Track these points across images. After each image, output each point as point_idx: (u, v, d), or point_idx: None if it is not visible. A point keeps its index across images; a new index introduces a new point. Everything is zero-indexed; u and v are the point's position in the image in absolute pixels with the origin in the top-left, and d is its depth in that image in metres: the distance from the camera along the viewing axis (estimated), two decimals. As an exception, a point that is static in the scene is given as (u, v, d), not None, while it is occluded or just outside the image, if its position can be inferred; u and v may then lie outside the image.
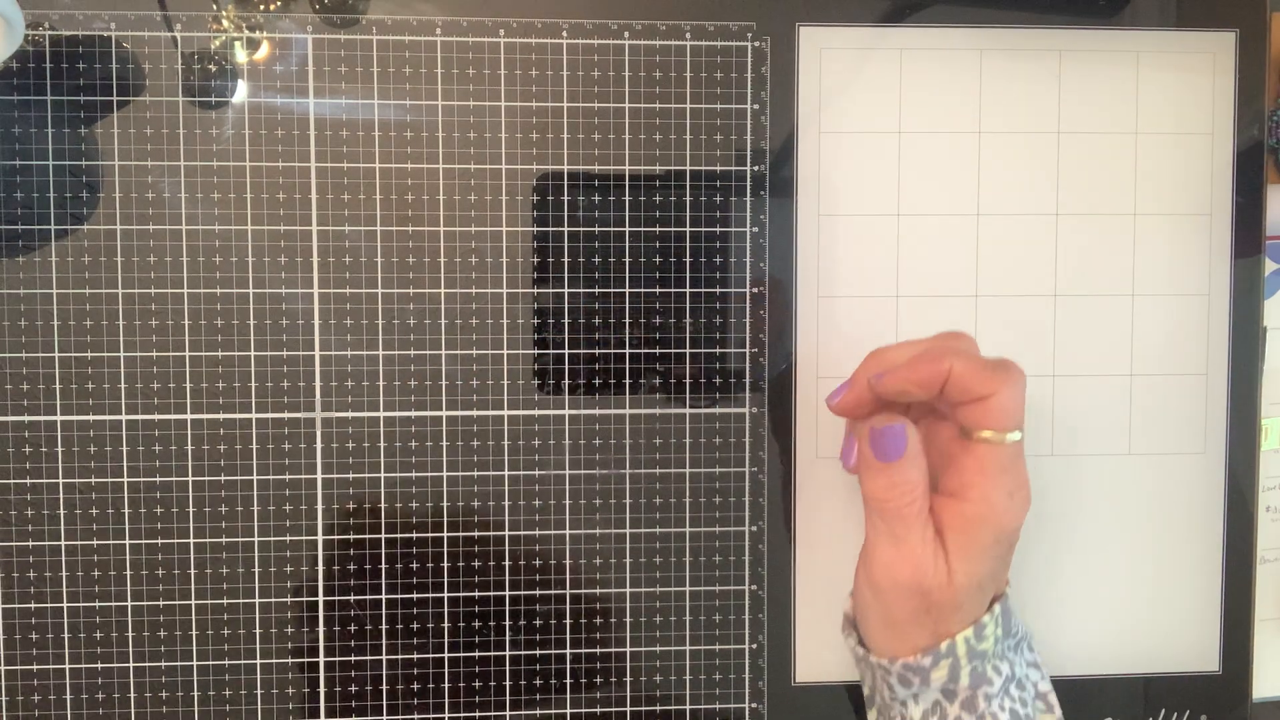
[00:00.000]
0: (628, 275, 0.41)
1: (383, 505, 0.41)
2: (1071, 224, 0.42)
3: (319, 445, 0.40)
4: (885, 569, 0.34)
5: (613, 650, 0.42)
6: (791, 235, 0.41)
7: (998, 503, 0.33)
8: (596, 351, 0.41)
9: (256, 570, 0.40)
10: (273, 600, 0.41)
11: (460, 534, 0.41)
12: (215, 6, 0.39)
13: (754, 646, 0.42)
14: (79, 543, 0.40)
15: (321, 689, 0.41)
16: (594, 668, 0.42)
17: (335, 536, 0.41)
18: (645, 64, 0.41)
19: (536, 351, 0.41)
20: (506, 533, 0.41)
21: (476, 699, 0.41)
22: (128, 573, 0.40)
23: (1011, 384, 0.33)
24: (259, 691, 0.41)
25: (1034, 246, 0.42)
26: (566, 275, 0.41)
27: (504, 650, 0.41)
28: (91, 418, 0.40)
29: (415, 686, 0.41)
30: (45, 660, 0.40)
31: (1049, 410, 0.42)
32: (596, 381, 0.41)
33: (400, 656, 0.41)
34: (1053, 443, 0.43)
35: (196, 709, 0.40)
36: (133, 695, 0.40)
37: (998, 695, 0.35)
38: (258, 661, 0.41)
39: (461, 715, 0.41)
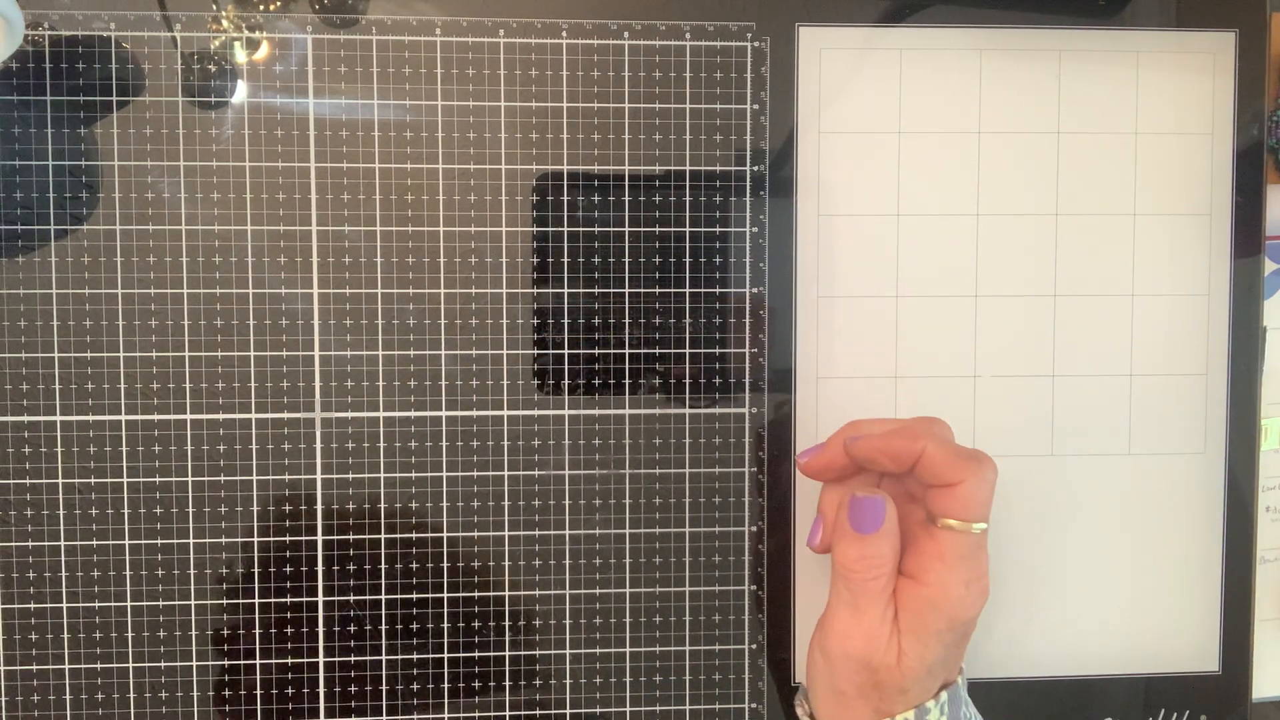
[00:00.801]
0: (628, 275, 0.41)
1: (383, 505, 0.41)
2: (1071, 224, 0.42)
3: (319, 445, 0.40)
4: (840, 638, 0.35)
5: (612, 650, 0.42)
6: (791, 235, 0.41)
7: (952, 590, 0.33)
8: (596, 351, 0.41)
9: (256, 570, 0.40)
10: (272, 600, 0.41)
11: (460, 534, 0.41)
12: (215, 6, 0.39)
13: (754, 646, 0.42)
14: (79, 543, 0.40)
15: (321, 689, 0.41)
16: (594, 667, 0.42)
17: (335, 537, 0.41)
18: (645, 64, 0.41)
19: (536, 351, 0.41)
20: (506, 533, 0.41)
21: (476, 699, 0.41)
22: (127, 573, 0.40)
23: (980, 475, 0.33)
24: (259, 691, 0.41)
25: (1034, 246, 0.42)
26: (566, 275, 0.41)
27: (503, 650, 0.41)
28: (91, 418, 0.40)
29: (415, 686, 0.41)
30: (45, 660, 0.40)
31: (1049, 410, 0.42)
32: (596, 381, 0.41)
33: (400, 656, 0.41)
34: (1053, 443, 0.43)
35: (196, 709, 0.40)
36: (132, 695, 0.40)
37: None
38: (257, 661, 0.41)
39: (461, 715, 0.41)
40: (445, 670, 0.41)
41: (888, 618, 0.34)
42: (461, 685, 0.41)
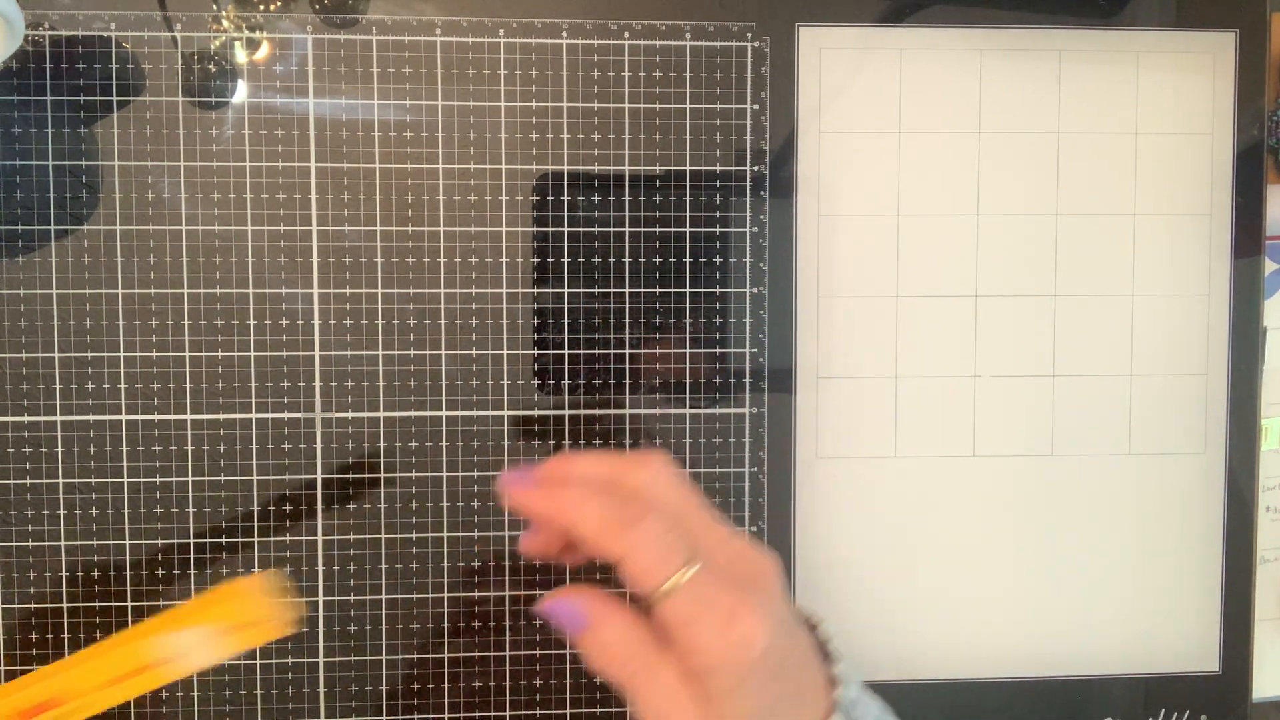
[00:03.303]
0: (628, 275, 0.41)
1: (383, 505, 0.41)
2: (1071, 224, 0.42)
3: (319, 445, 0.40)
4: None
5: (613, 650, 0.42)
6: (791, 235, 0.41)
7: (712, 646, 0.28)
8: (596, 351, 0.41)
9: (257, 570, 0.40)
10: (273, 600, 0.41)
11: (460, 534, 0.41)
12: (215, 6, 0.39)
13: (754, 646, 0.42)
14: (79, 543, 0.40)
15: (321, 689, 0.41)
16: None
17: (335, 536, 0.41)
18: (645, 64, 0.41)
19: (536, 351, 0.41)
20: (506, 533, 0.41)
21: (476, 699, 0.41)
22: (128, 573, 0.40)
23: (636, 545, 0.29)
24: (259, 691, 0.41)
25: (1034, 246, 0.42)
26: (566, 275, 0.41)
27: (504, 650, 0.41)
28: (91, 418, 0.40)
29: (415, 686, 0.41)
30: (45, 660, 0.40)
31: (1049, 410, 0.42)
32: (596, 381, 0.41)
33: (400, 656, 0.41)
34: (1053, 443, 0.43)
35: (197, 709, 0.40)
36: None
37: None
38: (258, 661, 0.41)
39: (461, 715, 0.41)
40: (445, 669, 0.41)
41: (677, 697, 0.29)
42: (462, 685, 0.41)
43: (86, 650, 0.31)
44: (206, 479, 0.40)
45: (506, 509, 0.31)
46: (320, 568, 0.41)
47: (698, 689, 0.28)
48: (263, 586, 0.31)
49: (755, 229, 0.41)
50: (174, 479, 0.40)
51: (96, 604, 0.40)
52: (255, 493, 0.40)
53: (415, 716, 0.41)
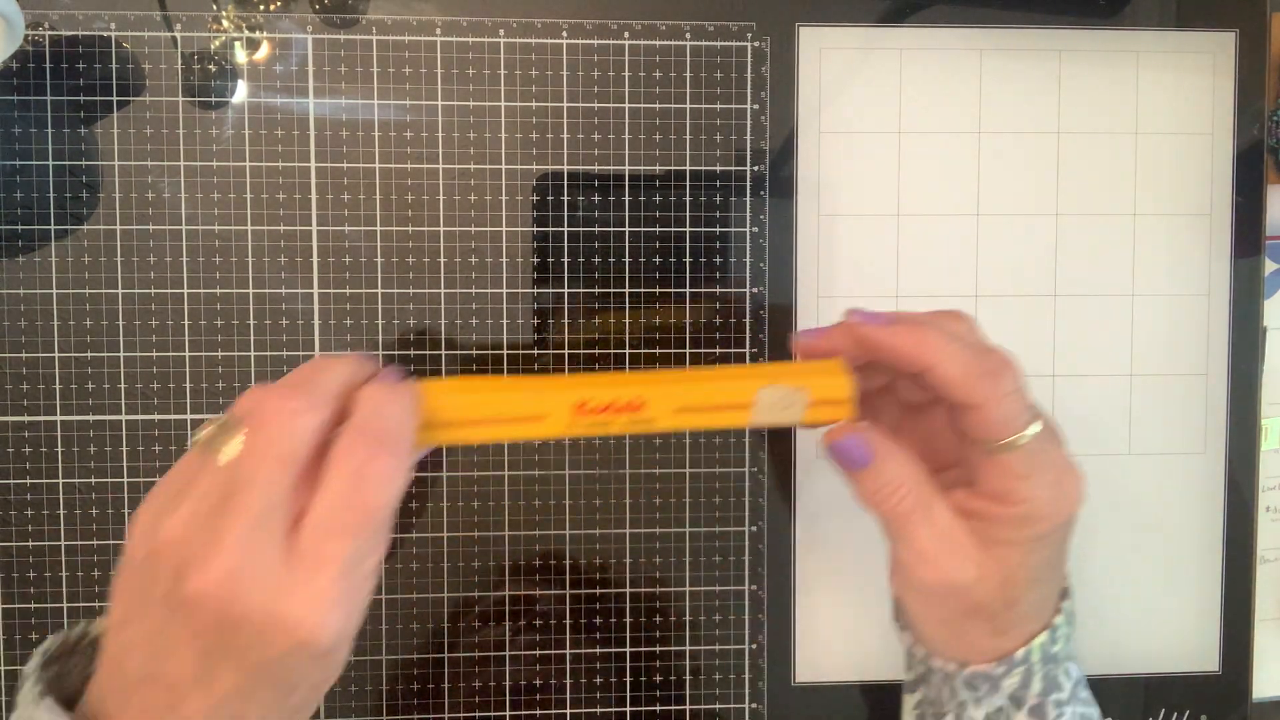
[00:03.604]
0: (628, 275, 0.41)
1: (383, 505, 0.41)
2: (1071, 224, 0.42)
3: (319, 445, 0.40)
4: (906, 574, 0.32)
5: (613, 650, 0.42)
6: (791, 235, 0.41)
7: (1042, 497, 0.30)
8: (596, 351, 0.41)
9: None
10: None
11: (460, 534, 0.41)
12: (215, 6, 0.39)
13: (754, 646, 0.42)
14: (79, 543, 0.40)
15: (321, 689, 0.41)
16: (594, 668, 0.42)
17: (335, 536, 0.41)
18: (645, 64, 0.41)
19: (537, 351, 0.41)
20: (506, 533, 0.41)
21: (476, 699, 0.41)
22: (128, 573, 0.40)
23: (999, 394, 0.30)
24: (259, 691, 0.41)
25: (1034, 246, 0.42)
26: (566, 275, 0.41)
27: (504, 650, 0.41)
28: (91, 418, 0.40)
29: (415, 686, 0.41)
30: (45, 660, 0.40)
31: (1049, 410, 0.42)
32: (596, 381, 0.41)
33: (400, 656, 0.41)
34: (1053, 443, 0.43)
35: (196, 709, 0.40)
36: (133, 695, 0.40)
37: (1068, 701, 0.33)
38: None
39: (461, 715, 0.41)
40: (446, 670, 0.41)
41: (943, 534, 0.31)
42: (462, 685, 0.41)
43: (670, 372, 0.31)
44: (206, 479, 0.40)
45: (852, 341, 0.31)
46: (320, 568, 0.41)
47: (997, 533, 0.30)
48: (847, 371, 0.31)
49: (755, 229, 0.41)
50: (174, 479, 0.40)
51: (96, 604, 0.40)
52: (255, 493, 0.40)
53: (415, 716, 0.41)
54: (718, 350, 0.41)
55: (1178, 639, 0.44)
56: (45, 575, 0.40)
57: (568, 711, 0.42)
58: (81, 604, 0.40)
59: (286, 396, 0.26)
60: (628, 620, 0.42)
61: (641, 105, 0.41)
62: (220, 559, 0.24)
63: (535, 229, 0.41)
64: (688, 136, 0.41)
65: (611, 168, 0.41)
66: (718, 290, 0.41)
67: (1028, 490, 0.30)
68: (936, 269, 0.42)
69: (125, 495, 0.40)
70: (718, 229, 0.41)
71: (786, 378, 0.30)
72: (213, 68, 0.40)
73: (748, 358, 0.41)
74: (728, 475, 0.42)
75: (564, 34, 0.40)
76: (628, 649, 0.42)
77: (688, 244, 0.41)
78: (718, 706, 0.42)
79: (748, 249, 0.41)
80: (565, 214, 0.41)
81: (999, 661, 0.32)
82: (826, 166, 0.41)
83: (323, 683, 0.26)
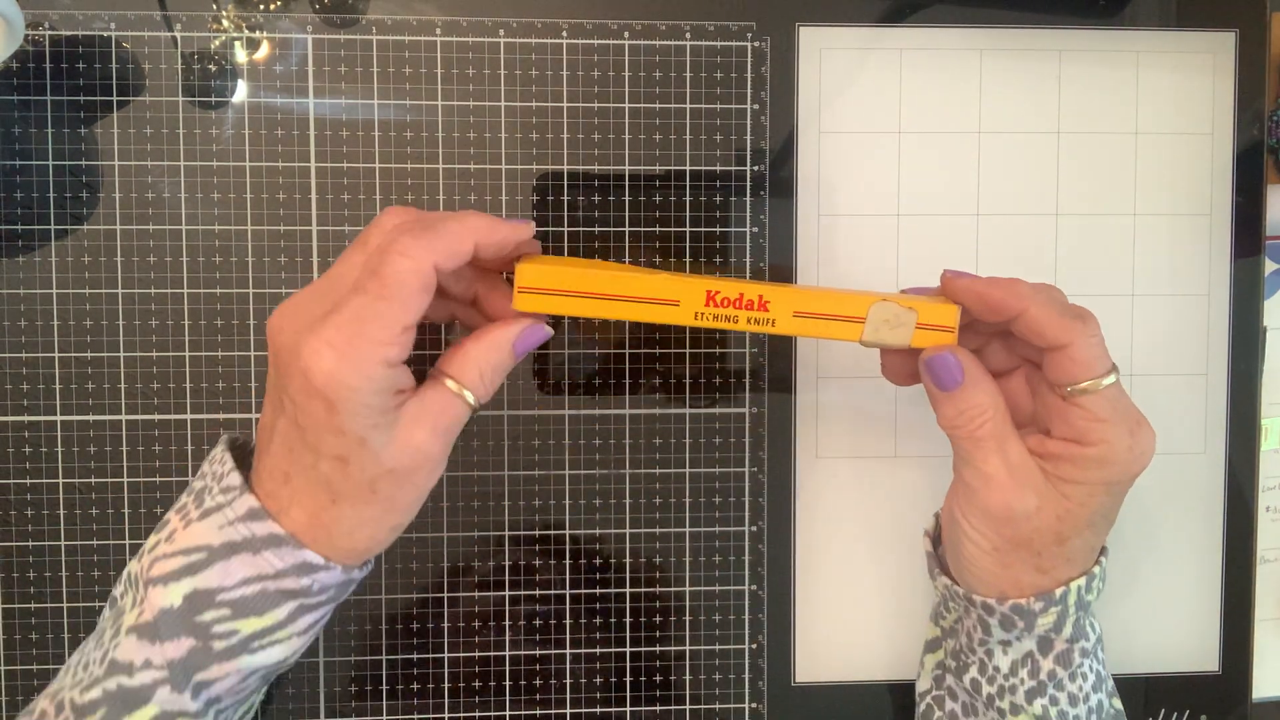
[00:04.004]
0: (628, 275, 0.41)
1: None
2: (1071, 224, 0.42)
3: (319, 445, 0.40)
4: (971, 497, 0.34)
5: (613, 650, 0.42)
6: (791, 235, 0.41)
7: (1119, 443, 0.32)
8: (596, 351, 0.41)
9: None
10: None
11: (460, 534, 0.41)
12: (215, 6, 0.39)
13: (754, 646, 0.42)
14: (79, 543, 0.40)
15: (321, 689, 0.41)
16: (594, 667, 0.42)
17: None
18: (645, 64, 0.41)
19: (537, 351, 0.41)
20: (506, 533, 0.41)
21: (476, 699, 0.41)
22: (128, 573, 0.40)
23: (1087, 334, 0.32)
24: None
25: (1034, 246, 0.42)
26: (566, 275, 0.41)
27: (504, 650, 0.41)
28: (91, 418, 0.40)
29: (415, 686, 0.41)
30: (45, 660, 0.40)
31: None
32: (596, 381, 0.41)
33: (400, 656, 0.41)
34: (1053, 443, 0.43)
35: (196, 709, 0.40)
36: (133, 695, 0.40)
37: (1091, 652, 0.35)
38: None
39: (461, 715, 0.41)
40: (445, 670, 0.41)
41: (1014, 465, 0.33)
42: (462, 685, 0.41)
43: (783, 287, 0.33)
44: (206, 479, 0.40)
45: (951, 298, 0.34)
46: (320, 568, 0.41)
47: (1066, 472, 0.33)
48: (947, 309, 0.34)
49: (755, 229, 0.41)
50: (174, 479, 0.40)
51: (96, 604, 0.40)
52: (255, 493, 0.40)
53: (415, 716, 0.41)
54: (717, 350, 0.41)
55: (1178, 639, 0.44)
56: (45, 575, 0.40)
57: (568, 711, 0.42)
58: (81, 604, 0.40)
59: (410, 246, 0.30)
60: (628, 620, 0.42)
61: (641, 105, 0.41)
62: (287, 302, 0.31)
63: (535, 229, 0.41)
64: (688, 136, 0.41)
65: (611, 168, 0.41)
66: (718, 290, 0.41)
67: (1104, 432, 0.32)
68: (936, 269, 0.42)
69: (125, 495, 0.40)
70: (718, 229, 0.41)
71: (899, 300, 0.33)
72: (213, 67, 0.40)
73: (748, 357, 0.41)
74: (728, 475, 0.42)
75: (564, 34, 0.40)
76: (628, 649, 0.42)
77: (688, 244, 0.41)
78: (718, 706, 0.42)
79: (748, 249, 0.41)
80: (565, 214, 0.41)
81: (1038, 596, 0.34)
82: (826, 166, 0.41)
83: (339, 466, 0.30)
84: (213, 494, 0.32)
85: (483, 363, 0.32)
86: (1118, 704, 0.37)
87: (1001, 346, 0.36)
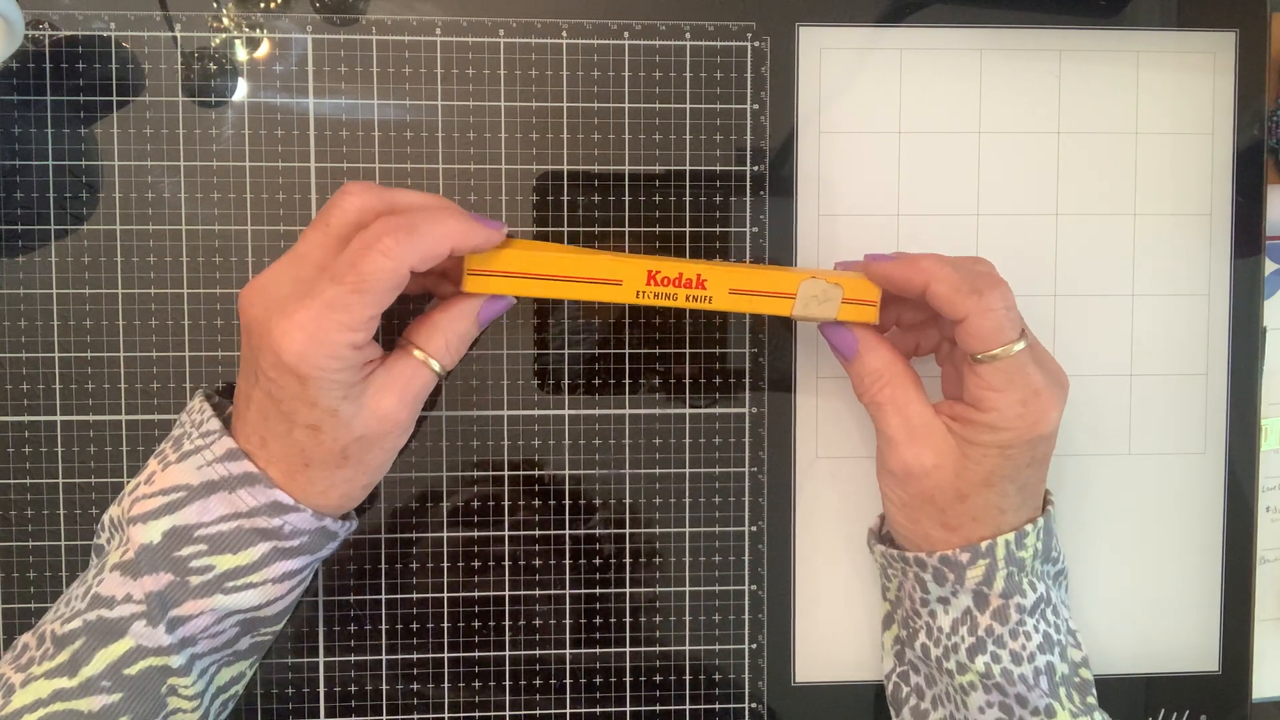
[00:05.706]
0: (628, 275, 0.41)
1: (382, 505, 0.41)
2: (1071, 224, 0.42)
3: (319, 445, 0.40)
4: (880, 459, 0.37)
5: (613, 651, 0.42)
6: (791, 235, 0.41)
7: (1008, 412, 0.34)
8: (596, 351, 0.41)
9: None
10: (273, 600, 0.40)
11: (460, 534, 0.41)
12: (215, 6, 0.39)
13: (754, 646, 0.42)
14: (79, 543, 0.40)
15: (321, 689, 0.41)
16: (594, 668, 0.42)
17: (335, 536, 0.41)
18: (645, 64, 0.41)
19: (536, 351, 0.41)
20: (506, 532, 0.41)
21: (476, 699, 0.41)
22: (128, 573, 0.40)
23: (982, 308, 0.34)
24: (259, 691, 0.41)
25: (1034, 246, 0.42)
26: (566, 275, 0.41)
27: (504, 650, 0.41)
28: (91, 418, 0.40)
29: (415, 686, 0.41)
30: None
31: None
32: (596, 381, 0.41)
33: (400, 656, 0.41)
34: (1053, 443, 0.43)
35: (196, 709, 0.40)
36: (133, 695, 0.40)
37: (1032, 613, 0.36)
38: (259, 661, 0.41)
39: (461, 715, 0.41)
40: (445, 670, 0.41)
41: (915, 427, 0.35)
42: (462, 685, 0.41)
43: (722, 265, 0.35)
44: (206, 479, 0.40)
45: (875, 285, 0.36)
46: (320, 567, 0.41)
47: (966, 433, 0.35)
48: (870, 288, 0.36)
49: (755, 229, 0.41)
50: (174, 479, 0.40)
51: (96, 604, 0.40)
52: (255, 493, 0.40)
53: (415, 716, 0.41)
54: (717, 350, 0.41)
55: (1178, 639, 0.44)
56: (45, 575, 0.40)
57: (567, 711, 0.42)
58: (81, 604, 0.40)
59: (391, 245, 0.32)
60: (628, 620, 0.42)
61: (641, 105, 0.41)
62: (258, 277, 0.33)
63: (535, 229, 0.41)
64: (688, 136, 0.41)
65: (611, 168, 0.41)
66: (718, 290, 0.41)
67: (995, 400, 0.34)
68: (936, 269, 0.42)
69: (125, 495, 0.40)
70: (718, 229, 0.41)
71: (826, 276, 0.35)
72: (213, 67, 0.40)
73: (747, 356, 0.41)
74: (727, 475, 0.42)
75: (564, 34, 0.40)
76: (627, 649, 0.42)
77: (688, 244, 0.41)
78: (718, 706, 0.42)
79: (748, 249, 0.41)
80: (565, 214, 0.41)
81: (964, 548, 0.35)
82: (826, 166, 0.41)
83: (311, 434, 0.32)
84: (191, 439, 0.34)
85: (449, 332, 0.35)
86: (1086, 674, 0.37)
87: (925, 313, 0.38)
